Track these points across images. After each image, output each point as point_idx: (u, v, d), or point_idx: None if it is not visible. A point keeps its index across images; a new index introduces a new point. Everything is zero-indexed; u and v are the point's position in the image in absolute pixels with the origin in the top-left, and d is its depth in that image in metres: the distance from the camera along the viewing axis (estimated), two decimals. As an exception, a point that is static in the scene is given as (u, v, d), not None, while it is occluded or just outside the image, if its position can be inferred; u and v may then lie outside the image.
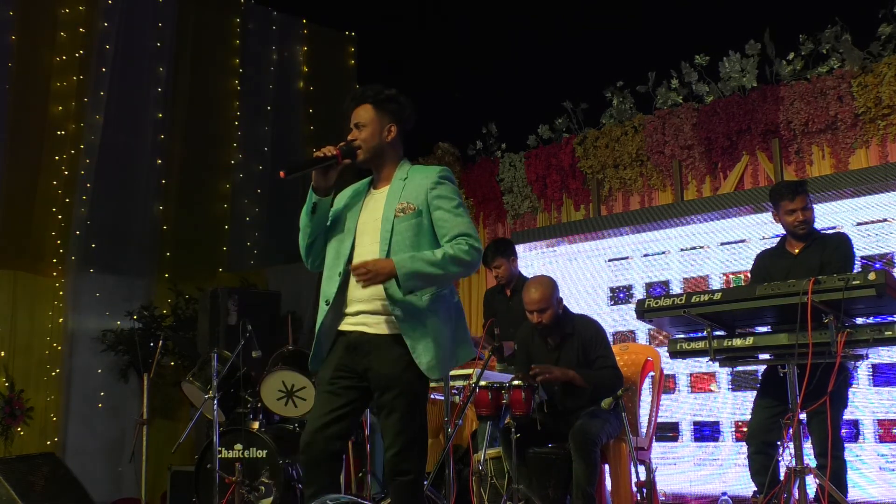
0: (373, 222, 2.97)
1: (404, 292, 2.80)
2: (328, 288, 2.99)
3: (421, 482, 2.91)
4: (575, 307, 5.48)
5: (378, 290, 2.86)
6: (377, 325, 2.90)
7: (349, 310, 2.96)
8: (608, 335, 4.71)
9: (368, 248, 2.93)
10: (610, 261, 6.51)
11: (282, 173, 2.91)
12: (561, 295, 4.52)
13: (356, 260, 2.90)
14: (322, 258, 3.08)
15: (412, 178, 3.00)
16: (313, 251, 3.09)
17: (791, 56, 5.82)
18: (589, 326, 4.51)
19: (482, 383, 4.12)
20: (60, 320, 7.50)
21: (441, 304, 2.92)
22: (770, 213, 4.22)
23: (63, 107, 7.65)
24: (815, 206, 4.18)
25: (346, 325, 2.97)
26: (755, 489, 3.92)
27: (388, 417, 2.87)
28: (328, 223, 3.07)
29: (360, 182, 3.15)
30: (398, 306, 2.84)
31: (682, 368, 5.90)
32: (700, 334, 3.65)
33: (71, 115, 7.68)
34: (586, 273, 6.62)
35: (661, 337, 5.90)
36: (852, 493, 4.26)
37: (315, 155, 2.92)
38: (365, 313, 2.93)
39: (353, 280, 2.88)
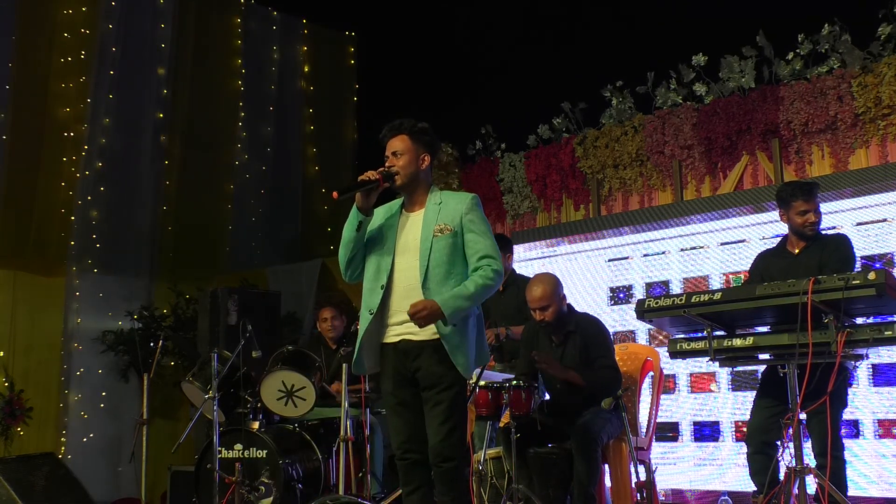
0: (412, 241, 3.36)
1: (449, 325, 3.22)
2: (371, 299, 3.37)
3: (463, 468, 3.30)
4: (575, 307, 5.48)
5: (420, 300, 3.25)
6: (422, 333, 3.28)
7: (393, 320, 3.35)
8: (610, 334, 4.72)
9: (408, 265, 3.34)
10: (610, 261, 6.51)
11: (335, 194, 3.31)
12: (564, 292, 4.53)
13: (397, 274, 3.34)
14: (360, 271, 3.46)
15: (446, 202, 3.39)
16: (353, 264, 3.45)
17: (790, 56, 5.82)
18: (591, 325, 4.51)
19: (482, 383, 4.12)
20: (62, 320, 7.50)
21: (471, 317, 3.36)
22: (769, 213, 4.21)
23: (65, 108, 7.66)
24: (814, 206, 4.18)
25: (392, 336, 3.36)
26: (755, 489, 3.93)
27: (433, 408, 3.25)
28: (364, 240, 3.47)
29: (392, 203, 3.52)
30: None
31: (682, 368, 5.90)
32: (700, 334, 3.65)
33: (73, 116, 7.69)
34: (586, 273, 6.62)
35: (661, 337, 5.90)
36: (852, 493, 4.26)
37: (360, 178, 3.31)
38: (411, 321, 3.28)
39: (395, 292, 3.33)
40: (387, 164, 3.38)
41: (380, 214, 3.46)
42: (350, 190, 3.31)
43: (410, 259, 3.33)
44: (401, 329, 3.33)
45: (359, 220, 3.36)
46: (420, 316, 3.18)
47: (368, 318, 3.34)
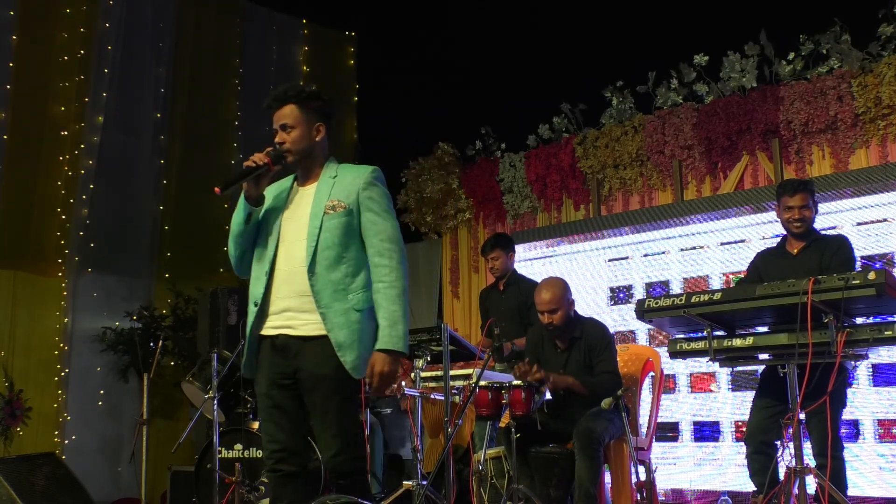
0: (298, 220, 2.93)
1: (406, 350, 2.82)
2: (256, 289, 2.97)
3: (364, 481, 2.89)
4: (576, 308, 5.49)
5: (304, 287, 2.84)
6: (304, 327, 2.86)
7: (272, 308, 2.93)
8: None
9: (294, 245, 2.90)
10: (610, 261, 6.51)
11: (217, 189, 2.89)
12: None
13: (281, 257, 2.91)
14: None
15: (342, 176, 2.97)
16: (244, 259, 3.05)
17: (791, 56, 5.82)
18: (596, 330, 4.51)
19: (482, 383, 4.12)
20: (62, 320, 7.49)
21: (367, 303, 2.89)
22: (769, 213, 4.25)
23: (64, 107, 7.65)
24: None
25: (269, 328, 2.93)
26: (755, 489, 3.93)
27: (322, 418, 2.83)
28: None
29: (284, 180, 3.10)
30: (324, 306, 2.82)
31: (682, 368, 5.90)
32: (700, 334, 3.65)
33: (71, 116, 7.68)
34: (586, 273, 6.62)
35: (661, 337, 5.90)
36: (852, 493, 4.26)
37: (246, 165, 2.91)
38: (292, 311, 2.88)
39: (277, 278, 2.91)
40: (276, 140, 2.96)
41: (270, 193, 3.02)
42: (235, 182, 2.92)
43: (296, 239, 2.89)
44: (278, 321, 2.90)
45: (248, 211, 2.93)
46: (380, 383, 2.76)
47: (254, 310, 2.95)
